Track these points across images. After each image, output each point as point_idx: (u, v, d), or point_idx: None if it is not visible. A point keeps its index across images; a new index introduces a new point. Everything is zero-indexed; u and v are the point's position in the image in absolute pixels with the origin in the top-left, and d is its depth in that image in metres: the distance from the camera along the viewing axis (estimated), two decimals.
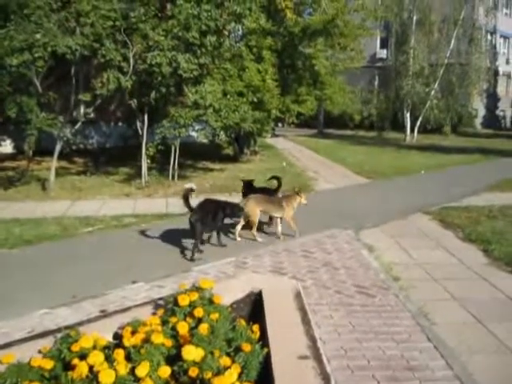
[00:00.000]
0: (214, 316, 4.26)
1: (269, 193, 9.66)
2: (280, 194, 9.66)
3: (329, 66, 16.98)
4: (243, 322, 4.43)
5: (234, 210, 8.46)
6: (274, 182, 10.08)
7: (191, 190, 8.43)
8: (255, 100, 14.63)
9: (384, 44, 41.53)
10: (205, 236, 8.49)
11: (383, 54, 41.62)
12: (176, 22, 12.59)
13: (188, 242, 8.72)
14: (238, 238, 8.92)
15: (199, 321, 4.25)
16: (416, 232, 9.80)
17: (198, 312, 4.23)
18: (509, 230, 9.80)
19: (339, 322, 5.39)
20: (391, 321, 5.48)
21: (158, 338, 3.68)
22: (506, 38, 49.06)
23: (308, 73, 17.62)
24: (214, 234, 8.62)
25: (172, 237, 9.13)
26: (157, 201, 12.62)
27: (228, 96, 14.03)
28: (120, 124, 22.41)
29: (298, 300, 4.82)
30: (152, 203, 12.31)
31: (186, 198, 8.13)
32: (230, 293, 5.08)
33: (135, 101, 13.47)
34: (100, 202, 12.48)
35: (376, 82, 42.77)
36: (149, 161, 14.30)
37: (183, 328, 3.98)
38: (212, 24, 12.60)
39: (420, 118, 32.55)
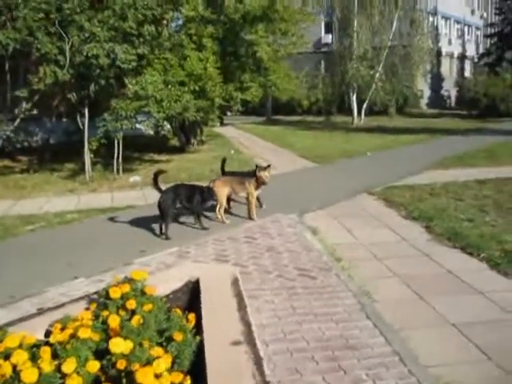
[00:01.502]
0: (148, 307, 4.18)
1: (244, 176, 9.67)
2: None
3: (270, 52, 16.84)
4: (179, 312, 4.37)
5: (210, 193, 8.68)
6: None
7: (160, 172, 8.69)
8: (197, 89, 14.44)
9: (329, 29, 41.71)
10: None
11: (328, 39, 41.79)
12: (112, 13, 12.32)
13: (131, 235, 8.63)
14: (227, 221, 9.01)
15: (133, 313, 4.17)
16: (360, 212, 9.87)
17: (131, 304, 4.14)
18: (450, 206, 9.98)
19: (280, 305, 5.36)
20: (332, 301, 5.48)
21: (85, 333, 3.58)
22: (446, 18, 49.95)
23: (251, 59, 17.47)
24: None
25: (115, 230, 9.00)
26: (101, 195, 12.38)
27: (169, 86, 13.80)
28: (64, 119, 21.89)
29: (234, 286, 4.79)
30: (96, 198, 12.06)
31: (155, 181, 8.37)
32: (167, 283, 5.02)
33: (74, 94, 13.15)
34: (43, 199, 12.16)
35: (322, 67, 42.99)
36: (92, 155, 14.03)
37: (114, 321, 3.89)
38: (149, 13, 12.39)
39: (366, 101, 32.86)
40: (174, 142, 21.35)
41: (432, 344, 4.75)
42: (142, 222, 9.20)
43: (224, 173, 9.81)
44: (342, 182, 12.83)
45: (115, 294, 4.21)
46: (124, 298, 4.23)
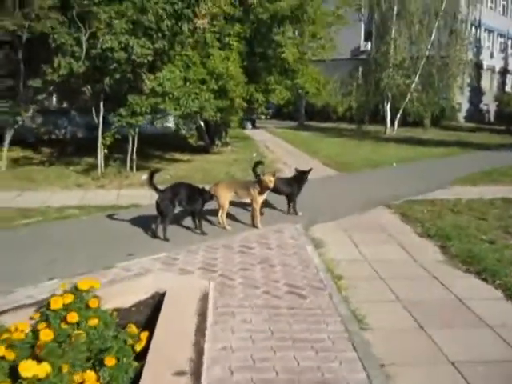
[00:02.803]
0: (93, 322, 3.67)
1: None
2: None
3: (296, 54, 16.21)
4: (133, 329, 3.86)
5: (211, 197, 8.29)
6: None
7: (156, 171, 8.48)
8: (216, 88, 13.95)
9: (369, 37, 40.90)
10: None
11: (367, 46, 40.96)
12: (131, 5, 11.92)
13: (125, 235, 8.18)
14: (228, 227, 8.50)
15: (78, 326, 3.67)
16: (373, 226, 9.23)
17: (72, 317, 3.64)
18: (472, 225, 9.25)
19: (257, 326, 4.80)
20: (317, 326, 4.90)
21: None
22: (490, 31, 48.54)
23: (279, 61, 16.91)
24: None
25: (110, 230, 8.57)
26: (109, 192, 11.98)
27: (188, 83, 13.33)
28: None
29: (201, 303, 4.27)
30: (103, 195, 11.68)
31: (150, 180, 7.99)
32: (133, 294, 4.50)
33: (89, 87, 12.78)
34: (49, 193, 11.84)
35: (359, 75, 42.14)
36: (106, 151, 13.66)
37: (46, 336, 3.38)
38: (169, 7, 11.94)
39: (400, 111, 31.96)
40: (193, 142, 20.84)
41: None
42: (140, 222, 8.74)
43: (257, 175, 9.11)
44: (361, 193, 12.15)
45: (56, 304, 3.71)
46: (67, 309, 3.73)
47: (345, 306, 5.43)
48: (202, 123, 18.89)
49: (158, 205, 7.92)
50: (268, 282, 5.97)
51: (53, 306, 3.69)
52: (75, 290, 3.86)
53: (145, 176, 13.59)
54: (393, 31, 30.48)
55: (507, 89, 50.94)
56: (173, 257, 6.84)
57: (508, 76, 52.67)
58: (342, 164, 16.94)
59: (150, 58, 11.95)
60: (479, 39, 45.13)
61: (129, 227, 8.66)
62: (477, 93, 46.16)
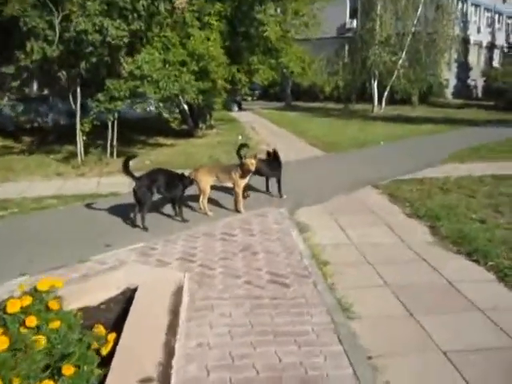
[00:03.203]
0: (55, 324, 3.38)
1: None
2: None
3: (279, 32, 15.76)
4: (101, 330, 3.56)
5: (191, 182, 8.11)
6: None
7: (131, 157, 8.16)
8: (197, 69, 13.55)
9: (354, 14, 40.40)
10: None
11: (353, 24, 40.46)
12: None
13: (103, 225, 7.88)
14: (210, 213, 8.24)
15: (38, 330, 3.37)
16: (360, 208, 8.95)
17: (31, 321, 3.34)
18: (462, 203, 8.99)
19: (237, 320, 4.53)
20: (300, 318, 4.63)
21: None
22: (477, 6, 48.06)
23: (262, 41, 16.48)
24: None
25: (88, 220, 8.26)
26: (89, 180, 11.66)
27: (167, 66, 12.91)
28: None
29: (175, 298, 3.97)
30: (83, 183, 11.36)
31: (125, 167, 7.66)
32: (102, 290, 4.20)
33: (64, 73, 12.35)
34: (27, 183, 11.49)
35: (346, 53, 41.65)
36: (85, 137, 13.28)
37: (1, 344, 3.09)
38: None
39: (387, 89, 31.62)
40: (175, 125, 20.43)
41: (413, 379, 3.88)
42: (119, 211, 8.44)
43: (241, 158, 8.83)
44: (348, 174, 11.90)
45: (13, 307, 3.40)
46: (26, 312, 3.43)
47: (330, 295, 5.17)
48: (185, 106, 18.51)
49: (135, 192, 7.65)
50: (250, 271, 5.69)
51: (10, 310, 3.38)
52: (34, 291, 3.56)
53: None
54: (378, 7, 30.01)
55: (494, 64, 50.61)
56: (151, 247, 6.54)
57: (495, 51, 52.31)
58: (329, 144, 16.66)
59: (126, 40, 11.54)
60: (466, 14, 44.69)
61: (107, 217, 8.35)
62: (464, 68, 45.79)
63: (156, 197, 8.01)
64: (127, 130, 19.67)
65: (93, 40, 11.30)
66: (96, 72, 12.71)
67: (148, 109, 16.56)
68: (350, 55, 36.08)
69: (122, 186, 10.52)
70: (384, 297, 5.35)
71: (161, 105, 12.78)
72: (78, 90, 12.78)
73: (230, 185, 8.56)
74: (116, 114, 13.07)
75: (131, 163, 13.02)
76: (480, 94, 46.16)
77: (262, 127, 23.37)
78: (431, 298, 5.32)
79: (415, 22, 30.64)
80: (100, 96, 12.56)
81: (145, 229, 7.49)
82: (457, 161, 13.45)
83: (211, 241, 6.78)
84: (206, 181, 8.22)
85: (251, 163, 8.06)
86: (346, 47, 39.20)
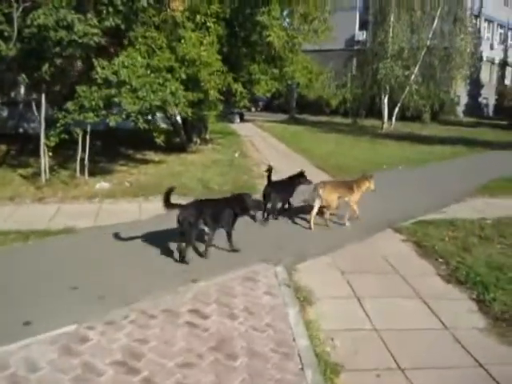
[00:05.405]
0: None
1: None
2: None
3: (285, 37, 13.59)
4: None
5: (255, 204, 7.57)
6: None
7: (171, 190, 6.88)
8: (186, 77, 11.49)
9: (364, 26, 38.63)
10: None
11: (362, 36, 38.67)
12: None
13: (32, 287, 5.79)
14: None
15: None
16: (380, 264, 6.85)
17: None
18: (510, 261, 6.93)
19: None
20: None
21: None
22: (490, 21, 46.33)
23: (264, 47, 14.41)
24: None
25: (15, 276, 6.17)
26: (46, 207, 9.52)
27: (149, 72, 10.83)
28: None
29: None
30: (38, 211, 9.25)
31: (167, 199, 6.69)
32: None
33: (24, 76, 10.29)
34: None
35: (353, 66, 39.70)
36: (50, 153, 11.24)
37: None
38: None
39: (398, 105, 29.59)
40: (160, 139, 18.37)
41: None
42: (65, 261, 6.39)
43: (270, 183, 8.96)
44: (361, 210, 9.44)
45: None
46: None
47: None
48: (178, 118, 16.47)
49: (179, 222, 6.65)
50: None
51: None
52: None
53: (99, 184, 11.23)
54: (391, 17, 28.00)
55: (507, 82, 48.73)
56: (81, 335, 4.43)
57: (508, 68, 50.36)
58: (338, 168, 14.47)
59: (97, 39, 9.48)
60: (479, 29, 42.78)
61: (42, 271, 6.24)
62: (476, 86, 43.97)
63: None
64: (116, 143, 17.63)
65: (58, 38, 9.25)
66: (62, 77, 10.65)
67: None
68: (359, 68, 34.17)
69: (84, 218, 8.55)
70: None
71: (140, 118, 10.67)
72: (43, 97, 10.74)
73: (346, 199, 8.78)
74: (88, 127, 10.96)
75: (97, 186, 11.20)
76: (491, 113, 44.39)
77: (262, 142, 21.45)
78: None
79: (430, 35, 28.61)
80: (69, 105, 10.51)
81: (185, 262, 6.63)
82: (487, 194, 11.47)
83: (171, 327, 4.66)
84: (333, 199, 8.51)
85: (373, 183, 8.94)
86: (355, 60, 37.40)
